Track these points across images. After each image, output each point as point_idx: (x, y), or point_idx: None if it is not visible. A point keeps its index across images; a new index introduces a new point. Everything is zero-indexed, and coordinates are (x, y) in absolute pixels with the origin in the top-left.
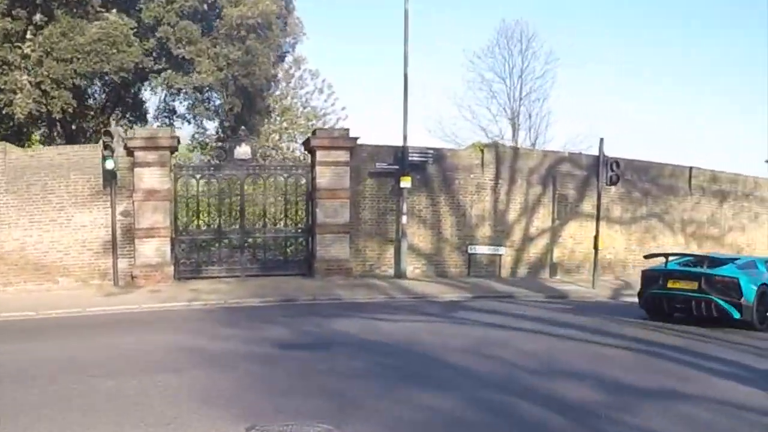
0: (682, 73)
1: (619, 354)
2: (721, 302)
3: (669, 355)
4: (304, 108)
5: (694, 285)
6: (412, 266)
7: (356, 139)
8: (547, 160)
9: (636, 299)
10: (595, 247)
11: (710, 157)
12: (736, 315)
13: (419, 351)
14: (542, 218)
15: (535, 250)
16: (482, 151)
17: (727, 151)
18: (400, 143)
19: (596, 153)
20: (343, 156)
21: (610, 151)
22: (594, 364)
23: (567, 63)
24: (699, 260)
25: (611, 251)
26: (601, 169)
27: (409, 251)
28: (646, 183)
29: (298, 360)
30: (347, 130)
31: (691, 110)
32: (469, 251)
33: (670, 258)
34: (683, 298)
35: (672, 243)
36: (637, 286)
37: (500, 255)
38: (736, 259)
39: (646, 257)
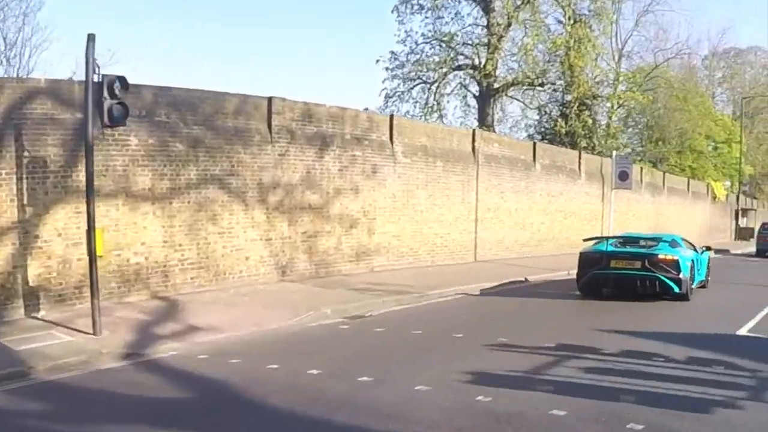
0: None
1: None
2: (665, 279)
3: None
4: None
5: (638, 264)
6: None
7: None
8: (3, 98)
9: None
10: (90, 253)
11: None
12: (677, 289)
13: None
14: None
15: None
16: None
17: (328, 94)
18: None
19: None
20: None
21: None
22: None
23: None
24: (627, 240)
25: (140, 250)
26: (91, 97)
27: None
28: (195, 127)
29: None
30: None
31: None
32: None
33: (595, 240)
34: (629, 277)
35: (247, 223)
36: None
37: None
38: (660, 238)
39: (585, 240)
